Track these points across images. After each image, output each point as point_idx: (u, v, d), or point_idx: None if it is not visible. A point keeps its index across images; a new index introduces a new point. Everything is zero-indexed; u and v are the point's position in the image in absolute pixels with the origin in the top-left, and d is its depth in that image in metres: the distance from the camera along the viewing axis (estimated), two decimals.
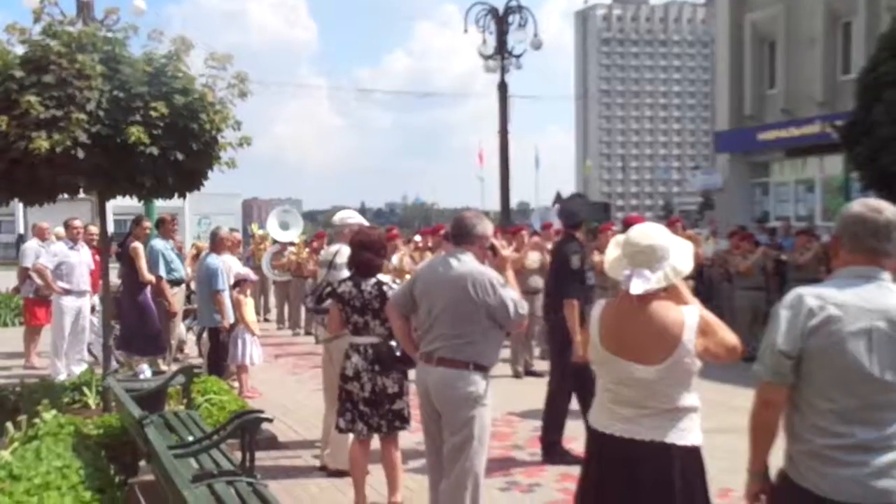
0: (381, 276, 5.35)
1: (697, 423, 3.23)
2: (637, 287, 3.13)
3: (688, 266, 3.25)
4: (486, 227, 4.58)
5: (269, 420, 4.78)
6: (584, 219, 6.87)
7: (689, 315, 3.15)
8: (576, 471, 3.72)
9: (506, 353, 10.24)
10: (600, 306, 3.37)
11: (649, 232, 3.28)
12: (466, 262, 4.42)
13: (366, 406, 5.19)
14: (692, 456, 3.18)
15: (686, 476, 3.13)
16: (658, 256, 3.18)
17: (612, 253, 3.41)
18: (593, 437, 3.34)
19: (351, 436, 5.41)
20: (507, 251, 4.66)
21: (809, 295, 2.71)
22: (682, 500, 3.10)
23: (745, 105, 25.18)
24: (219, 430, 4.86)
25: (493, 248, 4.59)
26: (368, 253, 5.33)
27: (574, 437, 6.31)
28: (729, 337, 3.21)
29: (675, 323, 3.13)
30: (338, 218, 6.53)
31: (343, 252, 6.08)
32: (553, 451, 6.53)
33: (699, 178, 28.63)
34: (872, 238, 2.71)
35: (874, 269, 2.72)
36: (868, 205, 2.76)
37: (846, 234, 2.77)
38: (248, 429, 4.57)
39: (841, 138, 14.29)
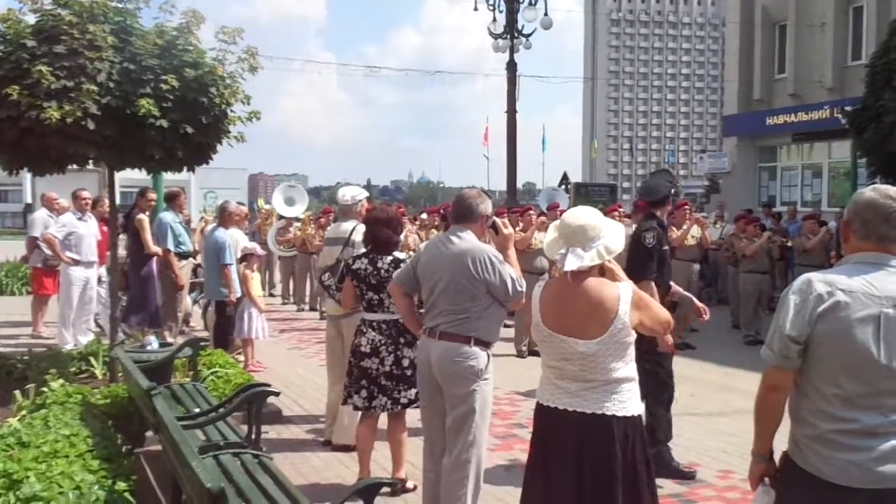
0: (397, 254, 5.38)
1: (636, 393, 3.43)
2: (571, 263, 3.31)
3: (619, 245, 3.43)
4: (487, 206, 4.62)
5: (276, 394, 4.83)
6: (665, 195, 6.15)
7: (624, 290, 3.36)
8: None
9: (509, 332, 10.30)
10: (539, 287, 3.52)
11: (581, 214, 3.46)
12: (467, 240, 4.46)
13: (388, 380, 5.23)
14: (632, 425, 3.36)
15: (626, 445, 3.32)
16: (590, 236, 3.35)
17: (549, 235, 3.56)
18: (541, 411, 3.49)
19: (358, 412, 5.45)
20: (508, 229, 4.67)
21: (818, 280, 2.71)
22: (623, 468, 3.29)
23: (754, 89, 25.06)
24: (225, 402, 4.91)
25: (494, 225, 4.61)
26: (386, 229, 5.36)
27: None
28: (662, 313, 3.50)
29: (610, 297, 3.32)
30: (350, 197, 6.51)
31: (360, 229, 6.13)
32: (659, 461, 5.47)
33: (706, 161, 28.52)
34: (884, 224, 2.71)
35: (884, 256, 2.72)
36: (880, 191, 2.76)
37: (857, 219, 2.77)
38: (254, 402, 4.62)
39: (849, 124, 14.24)
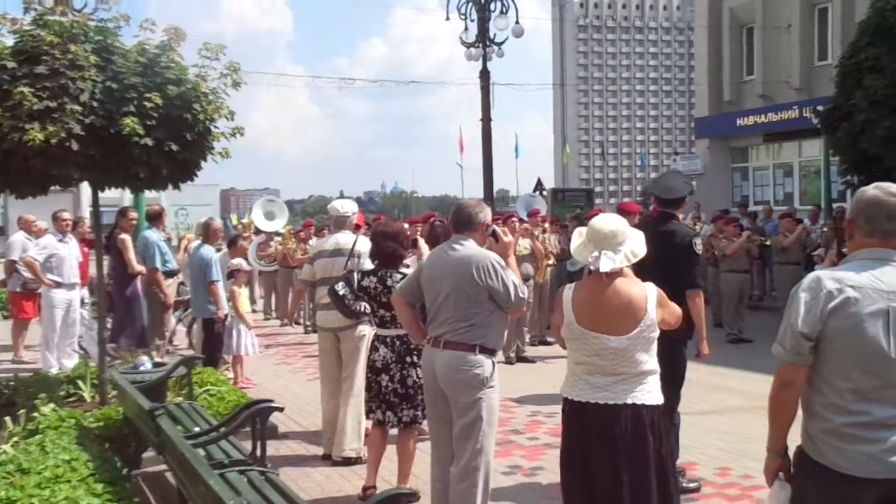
0: (406, 270, 5.40)
1: (658, 384, 3.71)
2: (606, 265, 3.59)
3: (643, 250, 3.73)
4: (487, 214, 4.67)
5: (280, 409, 4.81)
6: (684, 195, 5.85)
7: (650, 290, 3.67)
8: None
9: None
10: (571, 289, 3.78)
11: (610, 220, 3.79)
12: (469, 247, 4.49)
13: (395, 397, 5.29)
14: (658, 413, 3.65)
15: (655, 430, 3.60)
16: (619, 241, 3.67)
17: (576, 240, 3.85)
18: (570, 406, 3.73)
19: (365, 423, 5.46)
20: (508, 237, 4.71)
21: (828, 277, 2.77)
22: (655, 452, 3.58)
23: (724, 91, 25.36)
24: (229, 420, 4.88)
25: (494, 233, 4.65)
26: (392, 243, 5.40)
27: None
28: (676, 309, 3.84)
29: (639, 296, 3.62)
30: (350, 210, 6.55)
31: (363, 240, 6.22)
32: None
33: (680, 163, 28.78)
34: (888, 221, 2.77)
35: (889, 252, 2.78)
36: (883, 188, 2.83)
37: (861, 217, 2.83)
38: (258, 418, 4.60)
39: (821, 123, 14.44)
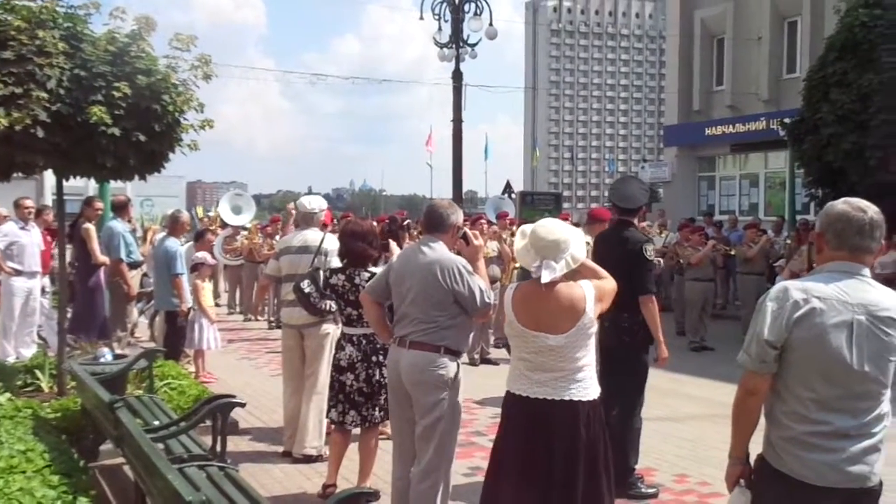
0: (374, 269, 5.37)
1: (595, 377, 3.86)
2: (546, 277, 3.70)
3: (583, 253, 3.87)
4: (458, 217, 4.67)
5: (242, 405, 4.77)
6: (642, 204, 5.97)
7: (588, 289, 3.78)
8: None
9: None
10: (511, 290, 3.91)
11: (552, 227, 3.84)
12: (437, 250, 4.49)
13: (360, 396, 5.27)
14: (593, 407, 3.78)
15: (589, 426, 3.73)
16: (561, 248, 3.76)
17: (519, 242, 3.94)
18: (512, 399, 3.86)
19: (324, 422, 5.43)
20: (478, 241, 4.70)
21: (795, 288, 2.82)
22: (586, 446, 3.71)
23: (693, 100, 25.60)
24: (189, 414, 4.83)
25: (465, 236, 4.65)
26: (361, 243, 5.36)
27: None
28: (610, 287, 3.91)
29: (578, 297, 3.74)
30: (317, 206, 6.51)
31: (330, 238, 6.18)
32: (624, 480, 5.51)
33: (648, 170, 28.99)
34: (857, 236, 2.83)
35: (856, 265, 2.84)
36: (851, 204, 2.87)
37: (830, 231, 2.88)
38: (219, 414, 4.56)
39: (788, 135, 14.66)
